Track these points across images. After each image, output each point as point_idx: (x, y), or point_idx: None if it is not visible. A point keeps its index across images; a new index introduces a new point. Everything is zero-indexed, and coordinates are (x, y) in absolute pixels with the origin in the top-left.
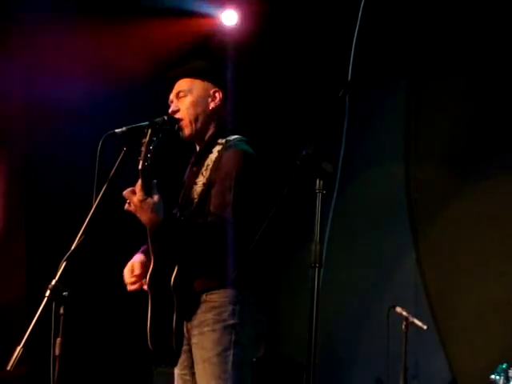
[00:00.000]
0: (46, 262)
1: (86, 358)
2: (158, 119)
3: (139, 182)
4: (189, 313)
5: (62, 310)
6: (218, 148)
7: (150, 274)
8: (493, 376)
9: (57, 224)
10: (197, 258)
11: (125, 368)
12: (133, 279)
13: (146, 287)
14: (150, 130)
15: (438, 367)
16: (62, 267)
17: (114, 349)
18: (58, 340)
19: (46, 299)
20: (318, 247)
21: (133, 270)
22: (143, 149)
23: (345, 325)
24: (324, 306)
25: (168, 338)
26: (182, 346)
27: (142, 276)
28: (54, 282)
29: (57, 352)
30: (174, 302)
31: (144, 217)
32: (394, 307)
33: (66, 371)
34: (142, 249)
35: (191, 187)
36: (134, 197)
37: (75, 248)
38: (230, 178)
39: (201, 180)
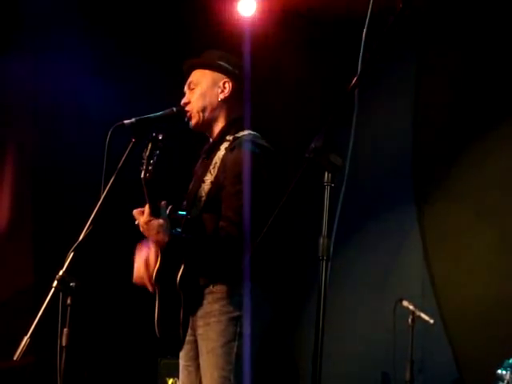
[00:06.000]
0: (53, 253)
1: (92, 348)
2: (166, 111)
3: (147, 206)
4: (195, 306)
5: (69, 301)
6: (225, 145)
7: (157, 271)
8: (499, 371)
9: (64, 215)
10: (206, 265)
11: (131, 359)
12: (146, 276)
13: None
14: (150, 144)
15: (445, 361)
16: (70, 258)
17: (121, 340)
18: (65, 330)
19: (53, 290)
20: (325, 240)
21: (148, 265)
22: (144, 161)
23: (351, 317)
24: (331, 300)
25: (175, 329)
26: (186, 336)
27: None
28: (61, 273)
29: (63, 342)
30: (180, 298)
31: (151, 237)
32: (400, 301)
33: (73, 362)
34: None
35: (199, 185)
36: (141, 218)
37: (83, 239)
38: (238, 181)
39: (208, 178)
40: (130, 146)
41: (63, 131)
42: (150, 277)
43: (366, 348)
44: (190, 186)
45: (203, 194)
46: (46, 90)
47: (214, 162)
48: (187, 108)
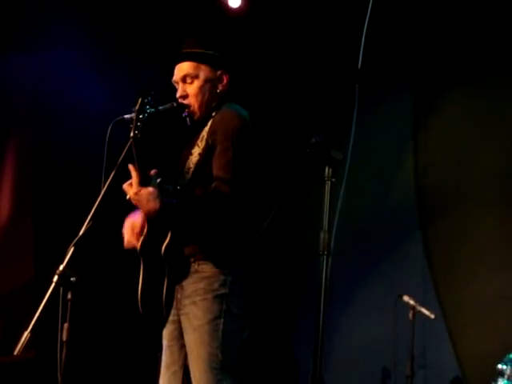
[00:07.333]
0: (53, 248)
1: (92, 343)
2: (166, 105)
3: (135, 174)
4: (179, 280)
5: (69, 296)
6: (212, 120)
7: (143, 241)
8: (500, 365)
9: (65, 210)
10: (196, 230)
11: (130, 354)
12: (133, 237)
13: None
14: (140, 99)
15: (445, 356)
16: (70, 253)
17: (121, 335)
18: (66, 325)
19: (53, 285)
20: (326, 235)
21: (133, 227)
22: (134, 117)
23: (352, 313)
24: (332, 294)
25: (158, 305)
26: (170, 313)
27: (139, 236)
28: (61, 268)
29: (64, 337)
30: (164, 270)
31: (143, 208)
32: (401, 296)
33: (73, 356)
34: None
35: (187, 158)
36: (131, 190)
37: (83, 234)
38: (227, 138)
39: (196, 150)
40: (130, 140)
41: (63, 128)
42: (137, 235)
43: (366, 343)
44: (179, 164)
45: (191, 165)
46: (46, 88)
47: (201, 136)
48: (186, 102)
